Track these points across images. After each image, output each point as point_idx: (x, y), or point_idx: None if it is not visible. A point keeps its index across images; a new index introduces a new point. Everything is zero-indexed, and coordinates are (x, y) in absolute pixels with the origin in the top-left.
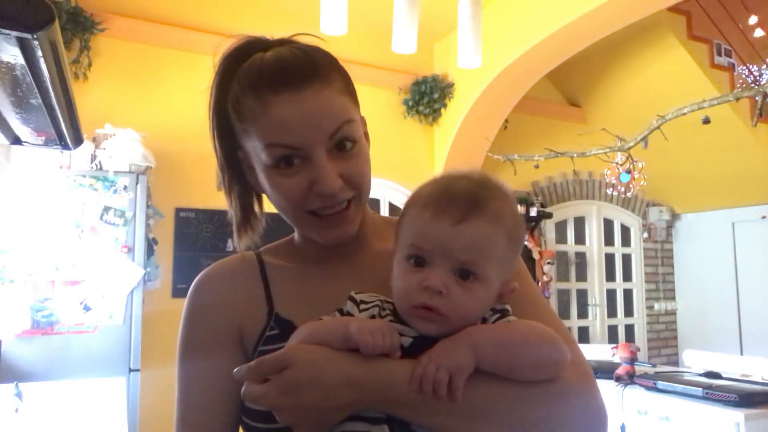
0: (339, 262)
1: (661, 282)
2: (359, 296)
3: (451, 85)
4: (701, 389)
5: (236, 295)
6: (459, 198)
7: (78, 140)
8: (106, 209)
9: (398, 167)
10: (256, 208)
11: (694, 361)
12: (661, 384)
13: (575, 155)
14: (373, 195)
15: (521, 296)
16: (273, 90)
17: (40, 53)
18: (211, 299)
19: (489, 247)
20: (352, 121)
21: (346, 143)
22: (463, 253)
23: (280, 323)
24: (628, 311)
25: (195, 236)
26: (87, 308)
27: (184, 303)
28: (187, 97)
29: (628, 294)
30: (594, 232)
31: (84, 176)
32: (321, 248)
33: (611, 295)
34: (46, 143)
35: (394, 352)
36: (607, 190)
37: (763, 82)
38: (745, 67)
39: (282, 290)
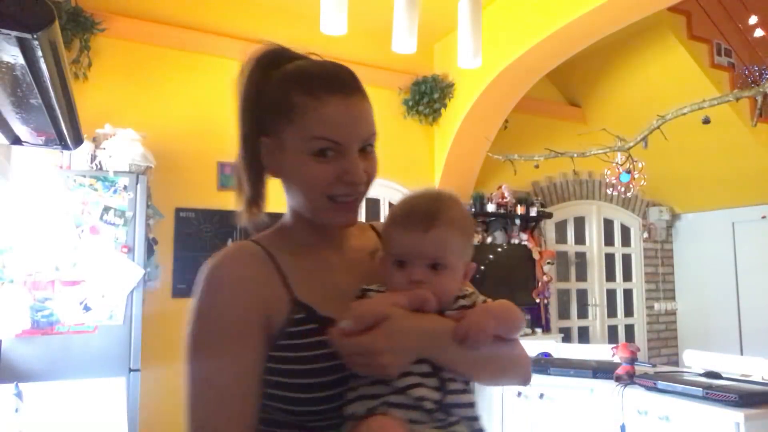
0: (330, 253)
1: (661, 282)
2: (372, 287)
3: (451, 85)
4: (701, 389)
5: (259, 281)
6: (421, 214)
7: (78, 140)
8: (106, 209)
9: (398, 167)
10: (264, 190)
11: (694, 361)
12: (661, 384)
13: (575, 155)
14: (373, 195)
15: None
16: (327, 90)
17: (40, 53)
18: (237, 285)
19: (449, 245)
20: (376, 133)
21: (369, 148)
22: (431, 253)
23: (303, 307)
24: (628, 311)
25: (195, 236)
26: (87, 308)
27: (193, 298)
28: (187, 97)
29: (628, 294)
30: (594, 232)
31: (84, 176)
32: (316, 237)
33: (611, 295)
34: (46, 143)
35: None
36: (607, 190)
37: (764, 82)
38: (745, 67)
39: (295, 277)
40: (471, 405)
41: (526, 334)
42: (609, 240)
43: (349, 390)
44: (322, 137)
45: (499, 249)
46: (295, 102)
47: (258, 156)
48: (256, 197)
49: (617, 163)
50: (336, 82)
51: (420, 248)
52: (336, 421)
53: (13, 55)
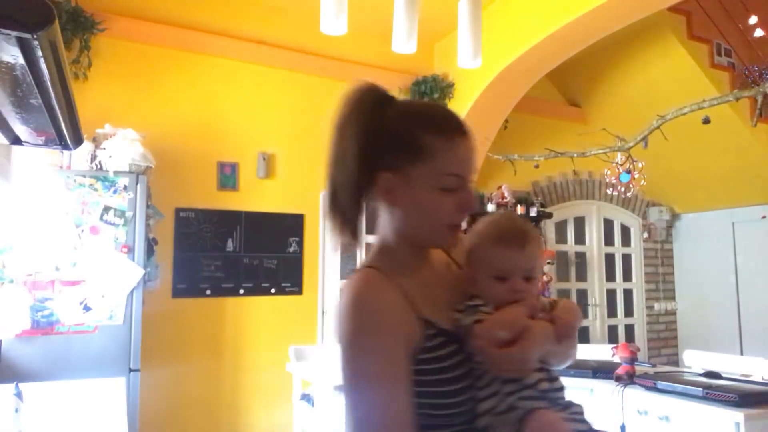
0: (425, 269)
1: (661, 282)
2: (477, 302)
3: (451, 85)
4: (701, 389)
5: (398, 305)
6: (516, 233)
7: (78, 140)
8: (106, 209)
9: None
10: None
11: (694, 361)
12: (661, 384)
13: (575, 155)
14: None
15: None
16: (455, 131)
17: (40, 53)
18: (385, 312)
19: (538, 259)
20: None
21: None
22: (528, 267)
23: (429, 323)
24: (628, 311)
25: (195, 236)
26: (87, 308)
27: (344, 329)
28: (187, 97)
29: (628, 294)
30: (594, 232)
31: (84, 176)
32: (415, 257)
33: (611, 295)
34: (46, 143)
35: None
36: (607, 190)
37: (764, 82)
38: (745, 67)
39: (414, 297)
40: (564, 388)
41: None
42: (609, 240)
43: (478, 389)
44: (453, 173)
45: None
46: (426, 142)
47: (363, 191)
48: (356, 231)
49: (617, 163)
50: (458, 123)
51: (520, 263)
52: (468, 417)
53: (13, 55)
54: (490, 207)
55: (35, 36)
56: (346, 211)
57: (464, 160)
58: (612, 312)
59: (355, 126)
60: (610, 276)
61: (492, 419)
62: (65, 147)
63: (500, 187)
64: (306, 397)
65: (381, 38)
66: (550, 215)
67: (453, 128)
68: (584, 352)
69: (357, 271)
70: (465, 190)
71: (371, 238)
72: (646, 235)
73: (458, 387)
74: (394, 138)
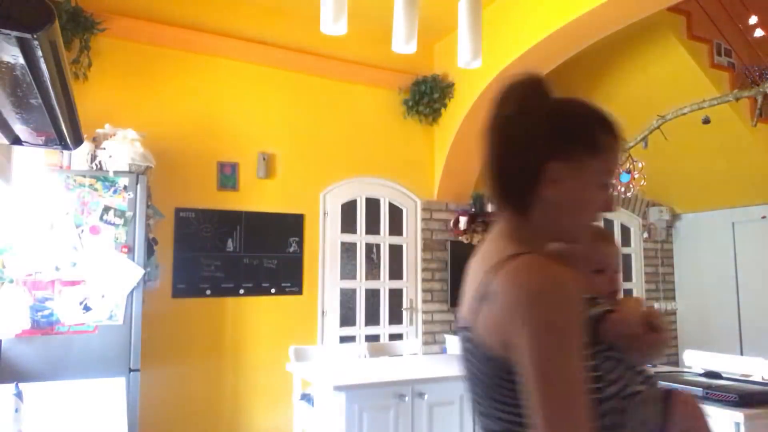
0: None
1: (661, 282)
2: (591, 294)
3: (451, 85)
4: (701, 389)
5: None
6: (608, 232)
7: (78, 140)
8: (106, 209)
9: (398, 167)
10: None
11: (694, 361)
12: (661, 384)
13: None
14: (373, 195)
15: None
16: (619, 135)
17: (40, 53)
18: (576, 297)
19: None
20: None
21: None
22: (618, 261)
23: None
24: None
25: (195, 236)
26: (87, 308)
27: (538, 311)
28: (187, 97)
29: (628, 294)
30: None
31: (84, 176)
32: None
33: None
34: (46, 143)
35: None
36: None
37: (764, 82)
38: (745, 67)
39: None
40: None
41: None
42: None
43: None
44: (611, 172)
45: None
46: (600, 139)
47: (535, 179)
48: (526, 219)
49: None
50: (619, 127)
51: (615, 257)
52: (595, 402)
53: (13, 55)
54: (491, 207)
55: (35, 36)
56: (517, 198)
57: (617, 163)
58: None
59: (528, 115)
60: None
61: (619, 402)
62: (65, 147)
63: None
64: (306, 397)
65: (381, 38)
66: None
67: (617, 131)
68: None
69: (514, 257)
70: (609, 190)
71: (371, 238)
72: (646, 235)
73: (595, 374)
74: (570, 130)
